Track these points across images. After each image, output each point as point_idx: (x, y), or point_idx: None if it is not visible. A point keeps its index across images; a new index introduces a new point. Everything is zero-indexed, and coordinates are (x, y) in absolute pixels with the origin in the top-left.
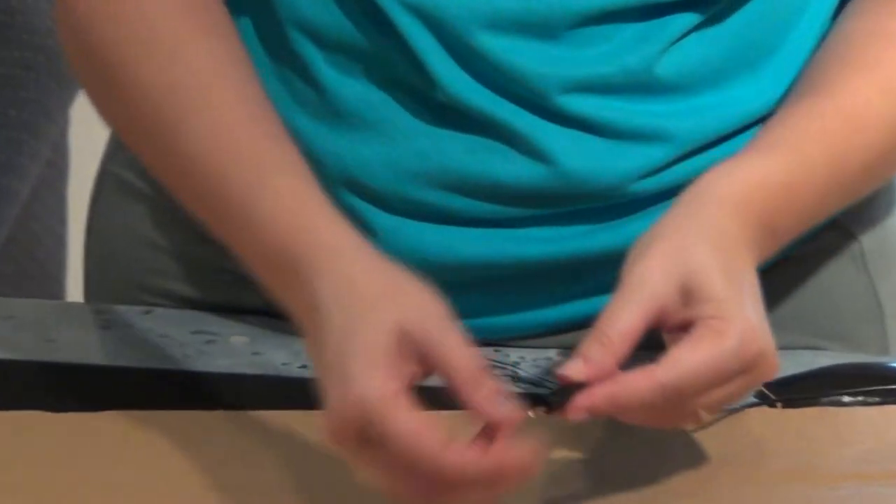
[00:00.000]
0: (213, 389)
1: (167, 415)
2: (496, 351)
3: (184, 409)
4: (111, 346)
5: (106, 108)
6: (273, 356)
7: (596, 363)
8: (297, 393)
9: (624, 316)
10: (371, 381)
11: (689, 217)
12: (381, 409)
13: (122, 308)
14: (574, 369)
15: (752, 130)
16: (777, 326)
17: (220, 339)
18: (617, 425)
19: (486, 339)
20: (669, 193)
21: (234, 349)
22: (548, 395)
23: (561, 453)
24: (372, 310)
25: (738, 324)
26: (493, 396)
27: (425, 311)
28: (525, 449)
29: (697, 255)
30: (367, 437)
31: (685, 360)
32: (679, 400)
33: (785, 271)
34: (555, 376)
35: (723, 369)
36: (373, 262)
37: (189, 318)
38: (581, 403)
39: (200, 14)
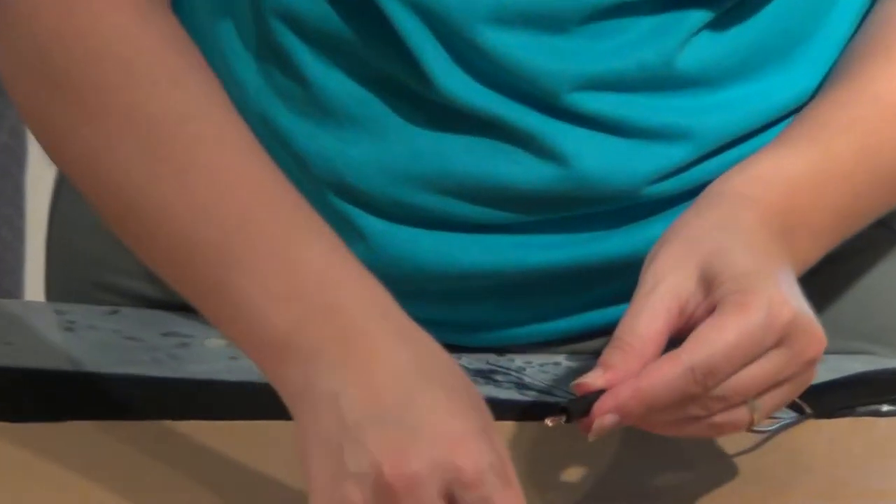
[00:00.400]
0: (186, 397)
1: (136, 425)
2: (499, 356)
3: (154, 420)
4: (74, 349)
5: (57, 133)
6: (251, 361)
7: (617, 369)
8: (280, 402)
9: (642, 319)
10: (480, 443)
11: (702, 213)
12: (504, 471)
13: (86, 308)
14: (593, 377)
15: (781, 126)
16: None
17: (194, 343)
18: (637, 439)
19: (489, 348)
20: (689, 195)
21: (209, 353)
22: (566, 403)
23: (578, 465)
24: (433, 380)
25: (762, 293)
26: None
27: (472, 387)
28: None
29: (715, 240)
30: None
31: (711, 338)
32: (713, 383)
33: (824, 271)
34: (567, 384)
35: (753, 342)
36: (410, 339)
37: (160, 319)
38: (605, 405)
39: (183, 50)
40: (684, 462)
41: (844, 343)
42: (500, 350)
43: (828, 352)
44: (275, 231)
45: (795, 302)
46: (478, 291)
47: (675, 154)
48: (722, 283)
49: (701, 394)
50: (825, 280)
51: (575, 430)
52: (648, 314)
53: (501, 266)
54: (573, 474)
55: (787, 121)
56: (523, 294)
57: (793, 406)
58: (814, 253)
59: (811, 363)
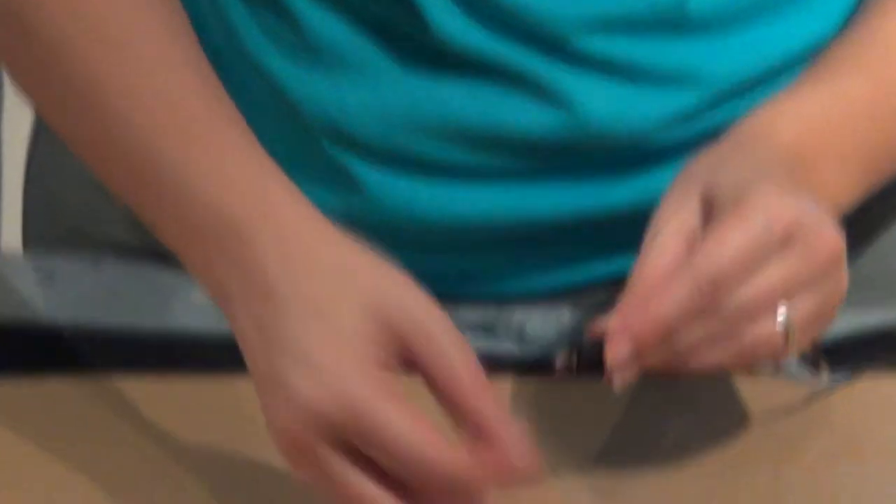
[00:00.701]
0: (171, 352)
1: (119, 381)
2: (500, 308)
3: (138, 375)
4: (54, 302)
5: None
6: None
7: (633, 308)
8: None
9: (650, 263)
10: (357, 372)
11: (709, 154)
12: (372, 404)
13: (66, 258)
14: (607, 319)
15: (795, 72)
16: None
17: (179, 295)
18: (645, 395)
19: (488, 300)
20: (699, 142)
21: (195, 306)
22: (576, 348)
23: (581, 423)
24: (345, 289)
25: (759, 198)
26: (497, 411)
27: (410, 292)
28: (529, 456)
29: (718, 173)
30: (339, 440)
31: (711, 249)
32: (724, 294)
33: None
34: (569, 337)
35: (756, 245)
36: (338, 234)
37: (144, 270)
38: (619, 335)
39: None
40: (695, 418)
41: (863, 296)
42: (501, 302)
43: (848, 303)
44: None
45: (799, 202)
46: (479, 242)
47: (684, 100)
48: (721, 201)
49: (715, 308)
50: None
51: (576, 386)
52: (656, 257)
53: (503, 216)
54: (575, 432)
55: (801, 67)
56: (526, 244)
57: (810, 363)
58: (845, 187)
59: (831, 265)
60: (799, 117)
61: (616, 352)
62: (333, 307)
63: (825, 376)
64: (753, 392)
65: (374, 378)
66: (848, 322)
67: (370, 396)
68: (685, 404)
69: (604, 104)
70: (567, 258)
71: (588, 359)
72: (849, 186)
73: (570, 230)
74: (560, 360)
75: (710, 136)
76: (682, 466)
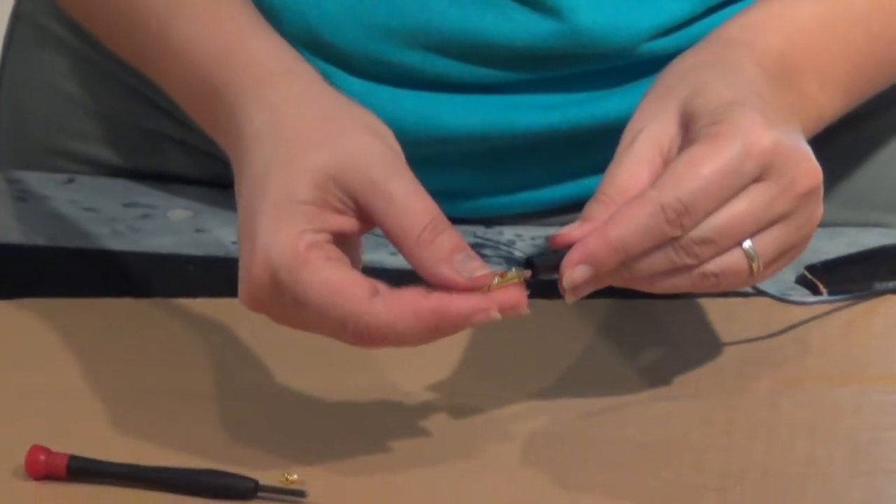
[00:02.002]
0: (149, 273)
1: (94, 303)
2: (488, 228)
3: (114, 297)
4: (27, 221)
5: None
6: (220, 234)
7: (596, 221)
8: None
9: (623, 170)
10: (277, 235)
11: (686, 57)
12: (289, 266)
13: (39, 176)
14: (570, 228)
15: None
16: (830, 202)
17: (156, 214)
18: (633, 319)
19: (476, 218)
20: None
21: (173, 225)
22: (533, 256)
23: (572, 343)
24: (297, 149)
25: (738, 121)
26: (449, 255)
27: (367, 152)
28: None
29: (696, 80)
30: (280, 299)
31: (682, 172)
32: (690, 222)
33: (840, 138)
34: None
35: (729, 173)
36: (312, 90)
37: (120, 188)
38: (574, 255)
39: None
40: (686, 346)
41: (861, 214)
42: (489, 221)
43: (844, 223)
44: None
45: (778, 129)
46: (465, 157)
47: (675, 8)
48: (698, 119)
49: (680, 236)
50: (842, 147)
51: (558, 309)
52: (629, 165)
53: (490, 128)
54: (560, 356)
55: None
56: (514, 159)
57: (807, 285)
58: (829, 101)
59: (807, 196)
60: (790, 21)
61: (572, 273)
62: (281, 171)
63: (823, 297)
64: (753, 314)
65: (301, 244)
66: (846, 242)
67: (291, 263)
68: (674, 334)
69: (593, 12)
70: (556, 174)
71: (545, 267)
72: (834, 97)
73: (559, 144)
74: (518, 274)
75: None
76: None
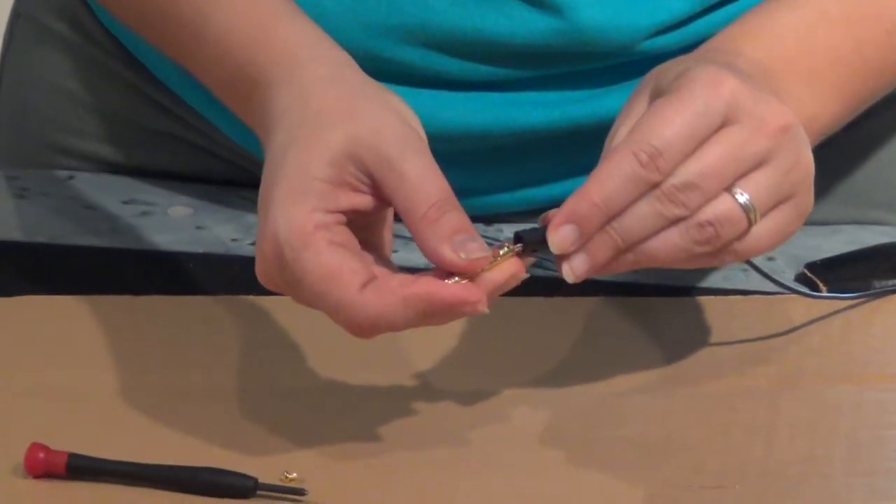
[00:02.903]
0: (148, 270)
1: (94, 300)
2: (487, 226)
3: (114, 294)
4: (27, 218)
5: None
6: (220, 231)
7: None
8: (249, 274)
9: (604, 164)
10: (287, 212)
11: (669, 64)
12: (293, 244)
13: (39, 173)
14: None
15: None
16: (829, 199)
17: (156, 211)
18: (636, 317)
19: (476, 216)
20: (688, 51)
21: (173, 222)
22: (521, 232)
23: (570, 341)
24: (318, 126)
25: (699, 72)
26: (450, 234)
27: (384, 129)
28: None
29: (669, 69)
30: (283, 275)
31: (648, 120)
32: (665, 164)
33: (838, 137)
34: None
35: (695, 115)
36: (341, 72)
37: (120, 185)
38: (559, 217)
39: None
40: (685, 344)
41: (861, 212)
42: (489, 219)
43: (843, 221)
44: None
45: (742, 75)
46: (465, 154)
47: (675, 6)
48: (664, 85)
49: (659, 180)
50: (841, 145)
51: (556, 307)
52: (610, 158)
53: (491, 126)
54: (558, 355)
55: None
56: (514, 157)
57: (807, 283)
58: (819, 104)
59: (782, 134)
60: (767, 32)
61: (557, 235)
62: (299, 148)
63: (823, 295)
64: (752, 312)
65: (310, 224)
66: (846, 240)
67: (295, 242)
68: (672, 330)
69: (594, 10)
70: (555, 172)
71: (532, 240)
72: (826, 100)
73: (559, 142)
74: (511, 247)
75: (699, 45)
76: (673, 394)
